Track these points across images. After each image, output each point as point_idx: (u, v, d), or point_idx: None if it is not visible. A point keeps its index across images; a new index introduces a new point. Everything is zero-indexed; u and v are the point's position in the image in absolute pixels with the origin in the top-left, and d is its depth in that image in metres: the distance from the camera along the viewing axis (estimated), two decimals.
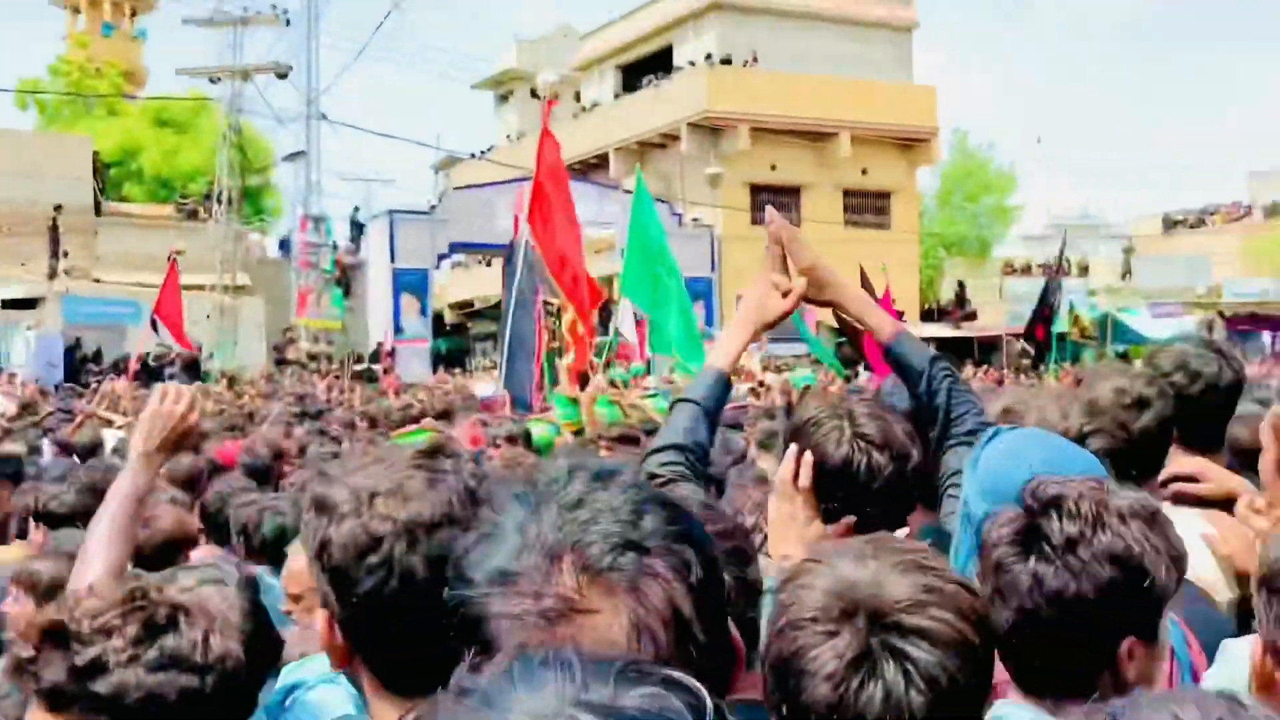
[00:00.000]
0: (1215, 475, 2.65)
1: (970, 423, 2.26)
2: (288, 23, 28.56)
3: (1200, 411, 2.71)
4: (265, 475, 5.59)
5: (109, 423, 8.95)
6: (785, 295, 2.34)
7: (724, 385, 2.34)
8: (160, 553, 3.56)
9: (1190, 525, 2.14)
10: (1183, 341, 2.99)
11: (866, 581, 1.32)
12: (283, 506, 4.08)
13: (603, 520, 1.03)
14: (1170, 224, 46.87)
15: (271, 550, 3.90)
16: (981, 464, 1.82)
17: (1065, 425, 2.13)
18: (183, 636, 1.59)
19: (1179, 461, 2.67)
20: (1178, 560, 1.52)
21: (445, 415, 9.26)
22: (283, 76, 27.54)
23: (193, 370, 22.25)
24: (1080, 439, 2.09)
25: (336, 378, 19.36)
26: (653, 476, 2.10)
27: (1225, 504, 2.49)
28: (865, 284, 18.84)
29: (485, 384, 12.07)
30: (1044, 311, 22.96)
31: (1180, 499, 2.57)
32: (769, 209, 2.55)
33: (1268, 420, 2.16)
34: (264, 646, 1.69)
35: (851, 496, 1.99)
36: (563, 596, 1.00)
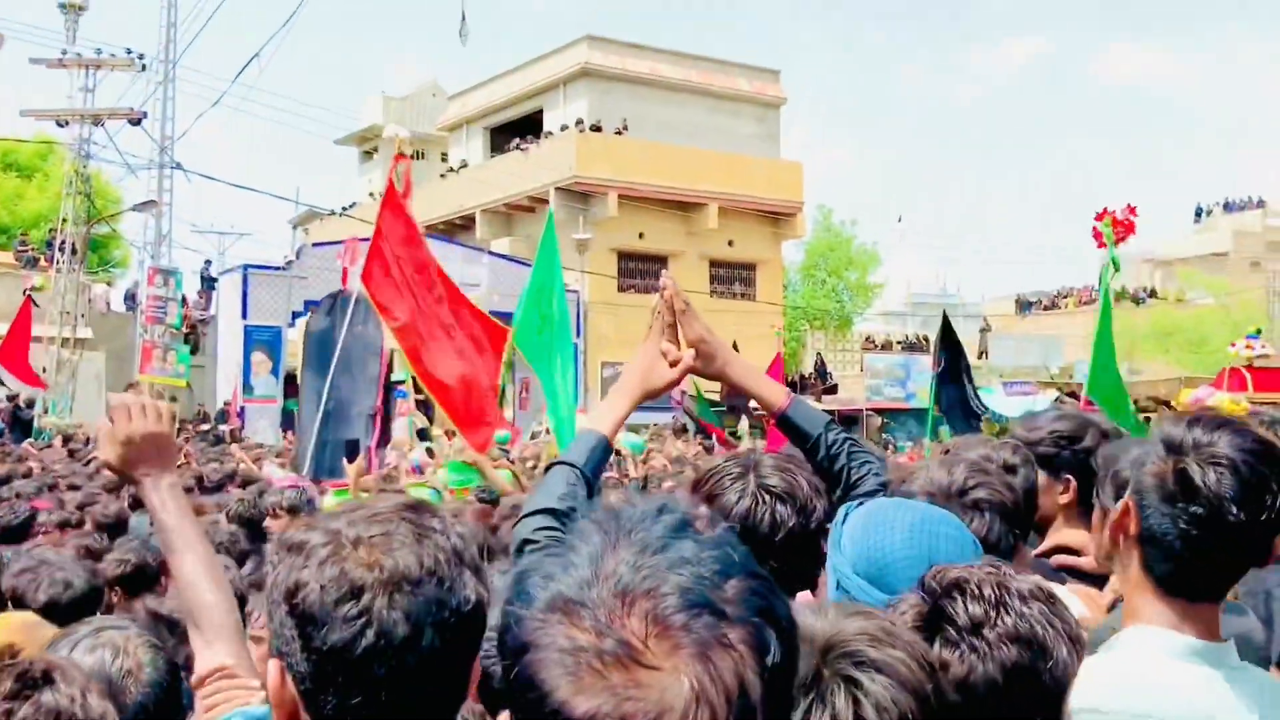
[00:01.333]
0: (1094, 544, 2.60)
1: (871, 483, 2.25)
2: (143, 68, 27.65)
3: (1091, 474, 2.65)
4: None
5: None
6: (672, 365, 2.30)
7: (604, 451, 2.22)
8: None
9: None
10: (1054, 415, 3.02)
11: (822, 624, 1.30)
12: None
13: (685, 572, 0.95)
14: (1024, 305, 48.70)
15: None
16: (848, 534, 1.79)
17: (950, 479, 2.13)
18: (59, 693, 1.56)
19: (1063, 533, 2.71)
20: (1077, 642, 1.51)
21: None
22: (136, 123, 26.59)
23: (21, 423, 21.13)
24: (963, 491, 2.11)
25: (186, 439, 18.51)
26: (527, 542, 2.01)
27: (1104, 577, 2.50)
28: (777, 362, 19.46)
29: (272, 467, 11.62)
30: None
31: (1061, 570, 2.60)
32: (664, 274, 2.46)
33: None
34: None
35: (754, 550, 1.86)
36: (626, 642, 0.91)
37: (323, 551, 1.30)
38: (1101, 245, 6.88)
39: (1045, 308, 47.99)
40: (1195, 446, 1.67)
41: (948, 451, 2.59)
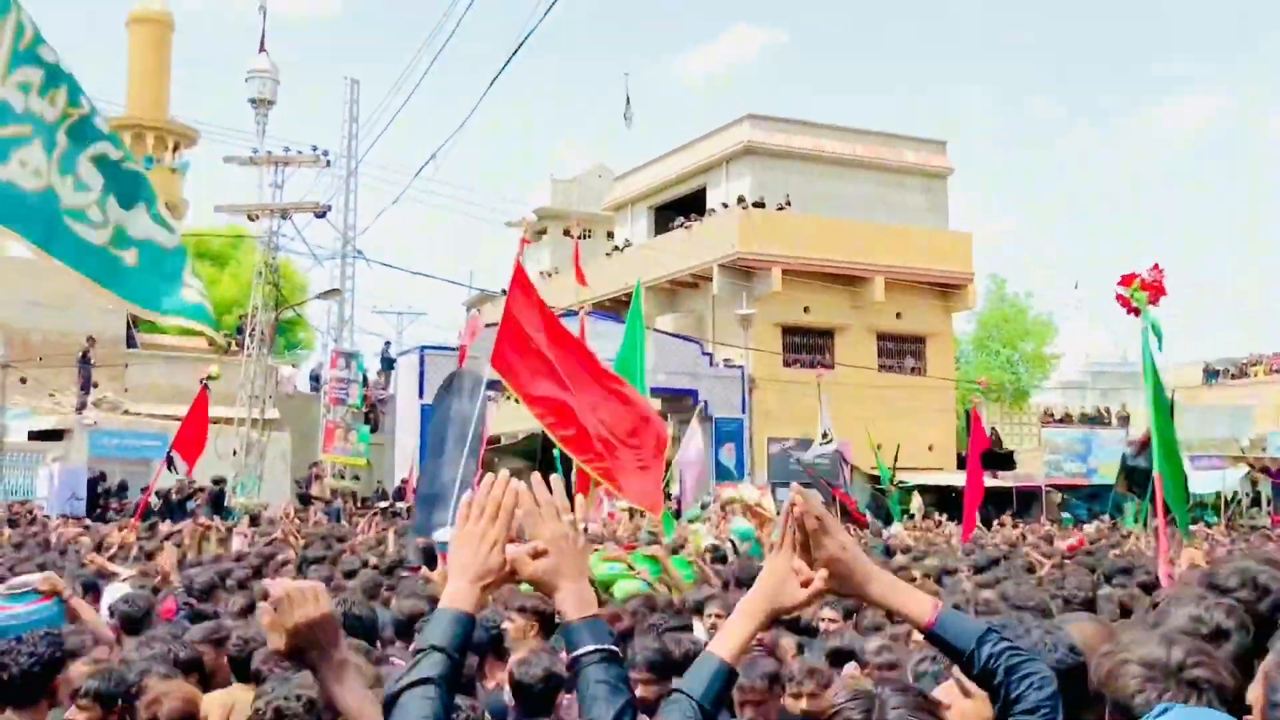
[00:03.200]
0: None
1: (1032, 698, 2.08)
2: (328, 164, 29.26)
3: (1268, 629, 2.59)
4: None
5: (111, 574, 8.46)
6: (804, 585, 2.16)
7: (726, 680, 2.10)
8: None
9: None
10: (1244, 558, 2.91)
11: None
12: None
13: None
14: (1212, 374, 46.64)
15: None
16: None
17: (1169, 656, 2.05)
18: None
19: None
20: None
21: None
22: (321, 215, 28.07)
23: (218, 505, 22.21)
24: (1181, 668, 2.04)
25: (376, 514, 19.21)
26: None
27: None
28: (977, 429, 18.47)
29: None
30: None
31: None
32: (794, 486, 2.29)
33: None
34: None
35: None
36: None
37: None
38: (1133, 313, 6.57)
39: (1234, 376, 45.88)
40: None
41: (1156, 604, 2.56)
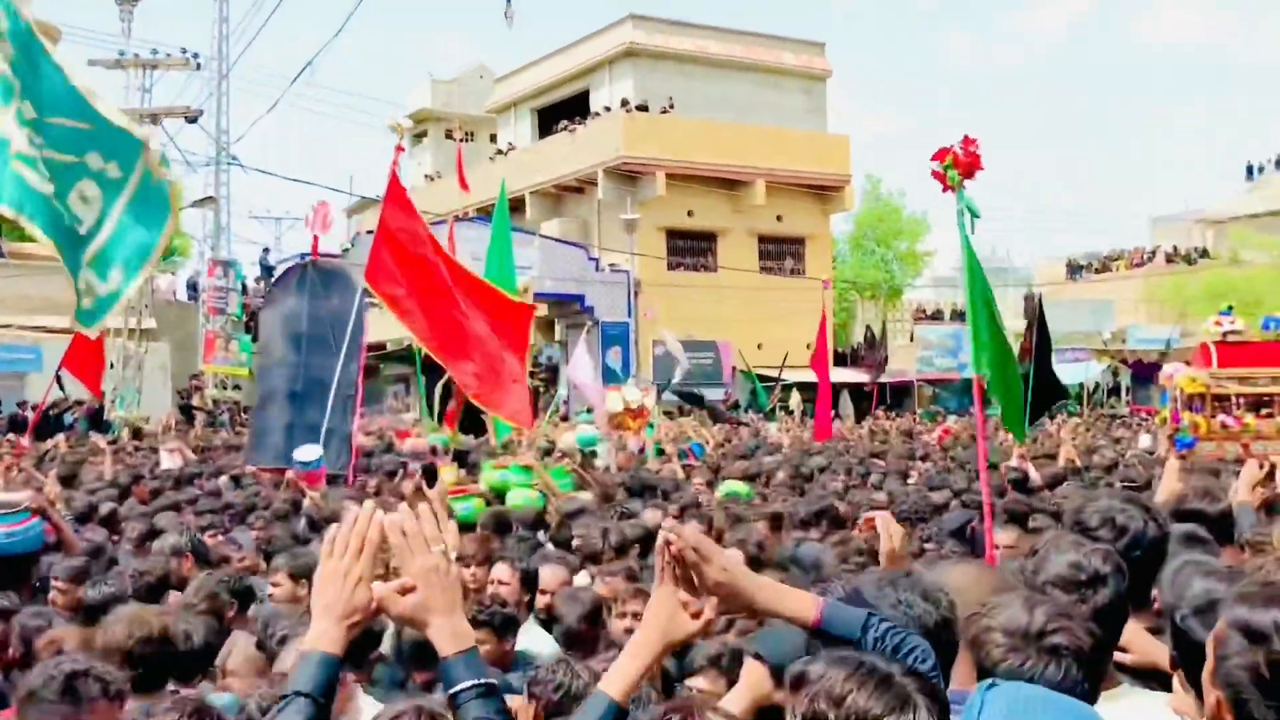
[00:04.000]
0: (1138, 645, 2.72)
1: (925, 667, 2.07)
2: (199, 66, 28.44)
3: (1135, 572, 2.69)
4: None
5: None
6: (694, 616, 2.12)
7: (617, 718, 2.07)
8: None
9: (1157, 712, 2.24)
10: (1107, 497, 3.12)
11: None
12: None
13: None
14: (1075, 269, 48.28)
15: None
16: None
17: (1030, 621, 2.13)
18: None
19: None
20: None
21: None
22: (192, 120, 27.35)
23: (97, 420, 21.85)
24: (1042, 634, 2.11)
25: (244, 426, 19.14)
26: None
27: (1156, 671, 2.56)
28: (822, 335, 19.12)
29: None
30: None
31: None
32: (666, 524, 2.26)
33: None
34: None
35: None
36: None
37: None
38: (947, 189, 5.90)
39: (1096, 270, 47.56)
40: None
41: (1035, 551, 2.68)
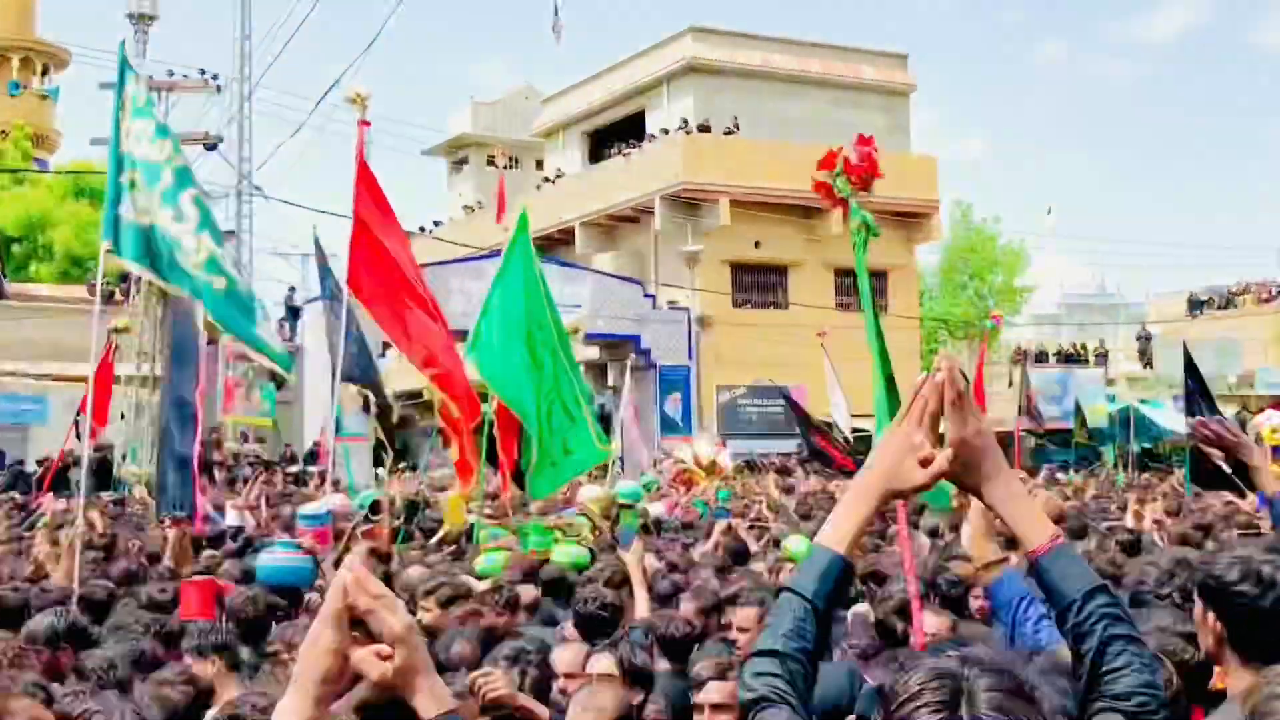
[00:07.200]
0: None
1: (1127, 682, 1.96)
2: (218, 89, 28.71)
3: (1267, 623, 2.73)
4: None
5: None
6: (924, 464, 2.08)
7: (840, 575, 2.07)
8: None
9: None
10: (1245, 548, 3.02)
11: None
12: None
13: None
14: (1195, 304, 47.33)
15: None
16: None
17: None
18: None
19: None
20: None
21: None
22: (211, 148, 27.59)
23: (102, 476, 21.82)
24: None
25: (268, 484, 19.00)
26: (750, 695, 2.01)
27: None
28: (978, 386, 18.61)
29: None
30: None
31: None
32: (942, 352, 2.24)
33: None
34: None
35: None
36: None
37: None
38: (836, 205, 5.42)
39: (1220, 307, 46.59)
40: None
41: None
